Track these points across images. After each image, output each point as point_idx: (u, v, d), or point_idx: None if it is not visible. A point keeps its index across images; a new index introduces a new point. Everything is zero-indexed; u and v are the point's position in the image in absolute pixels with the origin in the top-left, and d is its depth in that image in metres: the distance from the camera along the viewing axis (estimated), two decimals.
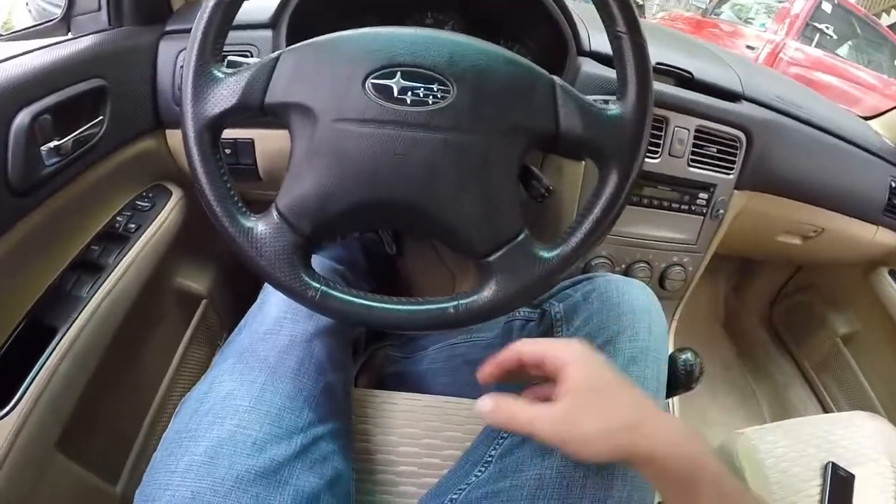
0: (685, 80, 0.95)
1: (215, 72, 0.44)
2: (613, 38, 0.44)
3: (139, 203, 0.82)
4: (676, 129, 0.91)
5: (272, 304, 0.60)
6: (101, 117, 0.69)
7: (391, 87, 0.41)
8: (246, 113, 0.43)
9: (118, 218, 0.78)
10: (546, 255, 0.44)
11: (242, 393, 0.49)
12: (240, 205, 0.44)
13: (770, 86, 1.06)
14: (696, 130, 0.93)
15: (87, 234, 0.73)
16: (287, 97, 0.42)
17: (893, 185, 1.14)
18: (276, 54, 0.44)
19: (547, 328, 0.64)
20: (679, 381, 0.68)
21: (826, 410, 1.38)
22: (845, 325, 1.38)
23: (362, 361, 0.99)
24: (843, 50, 4.13)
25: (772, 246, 1.20)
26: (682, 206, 0.98)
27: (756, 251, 1.35)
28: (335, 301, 0.43)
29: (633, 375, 0.55)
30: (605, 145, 0.44)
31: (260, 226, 0.43)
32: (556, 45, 0.86)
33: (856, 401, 1.31)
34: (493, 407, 0.42)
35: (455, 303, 0.43)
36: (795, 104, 1.04)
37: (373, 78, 0.41)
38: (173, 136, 0.83)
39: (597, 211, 0.45)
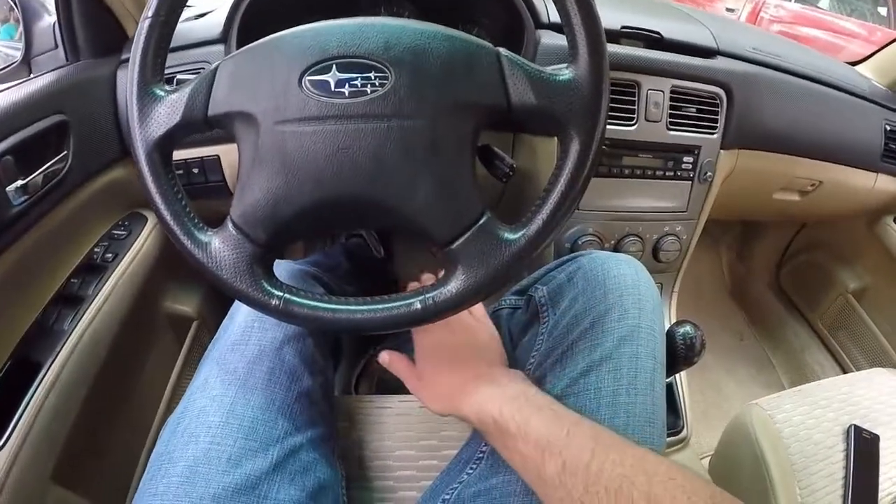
0: (654, 41, 0.91)
1: (157, 91, 0.44)
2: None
3: (115, 232, 0.82)
4: (650, 92, 0.87)
5: (240, 314, 0.58)
6: (64, 152, 0.69)
7: (328, 82, 0.40)
8: (191, 128, 0.43)
9: (96, 249, 0.78)
10: (511, 236, 0.42)
11: (215, 408, 0.49)
12: (196, 220, 0.44)
13: (746, 38, 1.02)
14: (672, 92, 0.89)
15: (67, 268, 0.73)
16: (228, 107, 0.42)
17: (888, 128, 1.10)
18: (214, 65, 0.43)
19: (533, 314, 0.62)
20: (679, 356, 0.63)
21: (845, 371, 1.34)
22: (855, 280, 1.34)
23: (360, 368, 0.97)
24: (825, 2, 4.07)
25: (770, 205, 1.16)
26: (668, 173, 0.93)
27: (754, 212, 1.31)
28: (299, 308, 0.42)
29: (624, 355, 0.52)
30: (561, 113, 0.41)
31: (216, 240, 0.43)
32: (514, 22, 0.83)
33: (874, 357, 1.28)
34: (388, 361, 0.57)
35: (422, 297, 0.42)
36: (774, 54, 0.99)
37: (309, 75, 0.40)
38: None
39: (560, 185, 0.42)
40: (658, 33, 0.91)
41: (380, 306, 0.42)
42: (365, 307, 0.42)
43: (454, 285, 0.41)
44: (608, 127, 0.78)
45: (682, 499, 0.34)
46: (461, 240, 0.41)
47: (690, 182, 0.95)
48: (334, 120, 0.39)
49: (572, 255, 0.65)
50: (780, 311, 1.54)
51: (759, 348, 1.51)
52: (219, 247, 0.42)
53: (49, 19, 0.76)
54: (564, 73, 0.42)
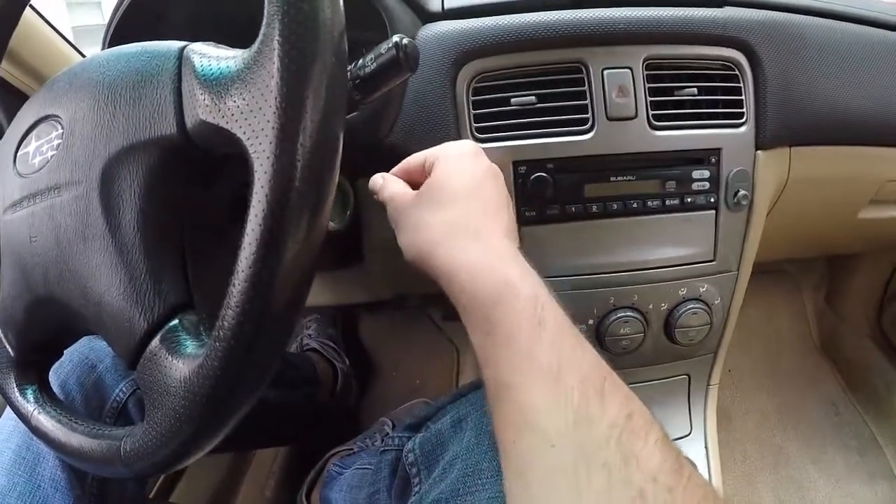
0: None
1: None
2: None
3: None
4: (608, 73, 0.54)
5: None
6: None
7: (27, 154, 0.36)
8: None
9: None
10: (194, 350, 0.30)
11: None
12: None
13: None
14: (649, 67, 0.55)
15: None
16: None
17: None
18: None
19: (403, 480, 0.51)
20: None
21: None
22: None
23: (313, 474, 0.85)
24: None
25: (856, 229, 0.82)
26: (670, 202, 0.58)
27: (834, 243, 0.98)
28: (42, 428, 0.37)
29: None
30: (230, 123, 0.28)
31: None
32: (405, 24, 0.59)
33: None
34: (382, 183, 0.44)
35: (128, 437, 0.33)
36: None
37: (20, 149, 0.37)
38: None
39: (248, 263, 0.26)
40: None
41: (87, 440, 0.35)
42: (74, 437, 0.36)
43: (140, 432, 0.32)
44: (543, 142, 0.55)
45: None
46: (141, 360, 0.32)
47: (715, 211, 0.59)
48: (28, 201, 0.35)
49: (475, 381, 0.50)
50: (885, 369, 1.22)
51: (860, 423, 1.22)
52: None
53: None
54: (226, 62, 0.30)
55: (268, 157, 0.26)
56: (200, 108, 0.30)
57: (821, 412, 1.24)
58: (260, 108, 0.26)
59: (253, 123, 0.27)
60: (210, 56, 0.31)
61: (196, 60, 0.31)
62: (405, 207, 0.41)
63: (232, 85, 0.28)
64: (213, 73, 0.30)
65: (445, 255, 0.37)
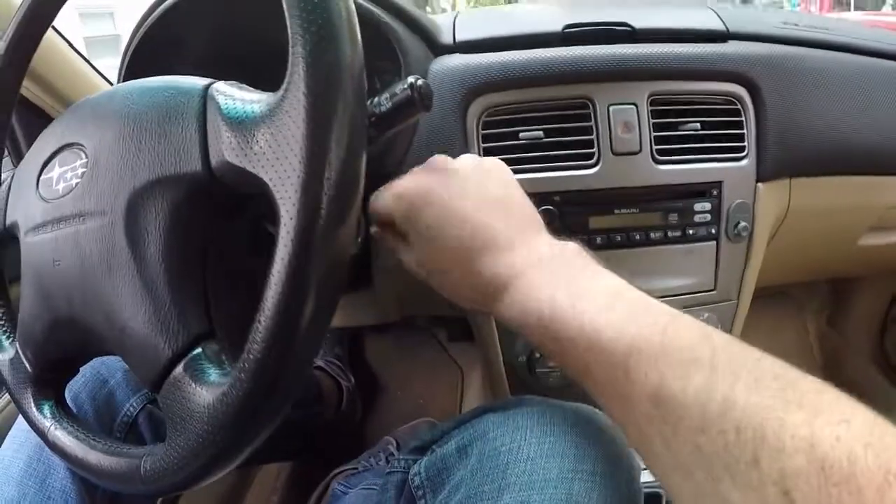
0: (622, 37, 0.60)
1: None
2: None
3: None
4: (614, 109, 0.55)
5: None
6: None
7: (51, 179, 0.37)
8: None
9: None
10: (219, 378, 0.31)
11: None
12: (5, 329, 0.43)
13: (771, 15, 0.68)
14: (654, 103, 0.56)
15: None
16: (8, 217, 0.41)
17: None
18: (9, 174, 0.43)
19: (408, 502, 0.48)
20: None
21: None
22: None
23: (317, 493, 0.83)
24: (889, 3, 3.72)
25: (857, 255, 0.82)
26: (672, 233, 0.59)
27: (835, 269, 0.98)
28: (60, 444, 0.38)
29: None
30: (256, 167, 0.29)
31: (5, 355, 0.42)
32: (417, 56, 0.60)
33: None
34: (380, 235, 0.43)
35: (149, 456, 0.34)
36: (817, 27, 0.64)
37: (43, 174, 0.38)
38: None
39: (273, 302, 0.27)
40: (627, 25, 0.60)
41: (105, 457, 0.36)
42: (92, 454, 0.37)
43: (162, 452, 0.33)
44: (550, 176, 0.57)
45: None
46: (164, 385, 0.32)
47: (715, 242, 0.60)
48: (51, 226, 0.36)
49: (479, 408, 0.46)
50: (887, 391, 1.22)
51: None
52: (7, 362, 0.41)
53: None
54: (255, 104, 0.30)
55: (294, 204, 0.27)
56: (226, 148, 0.30)
57: None
58: (286, 156, 0.27)
59: (279, 169, 0.28)
60: (235, 97, 0.32)
61: (221, 101, 0.32)
62: (419, 270, 0.40)
63: (257, 129, 0.29)
64: (238, 115, 0.31)
65: (492, 269, 0.36)
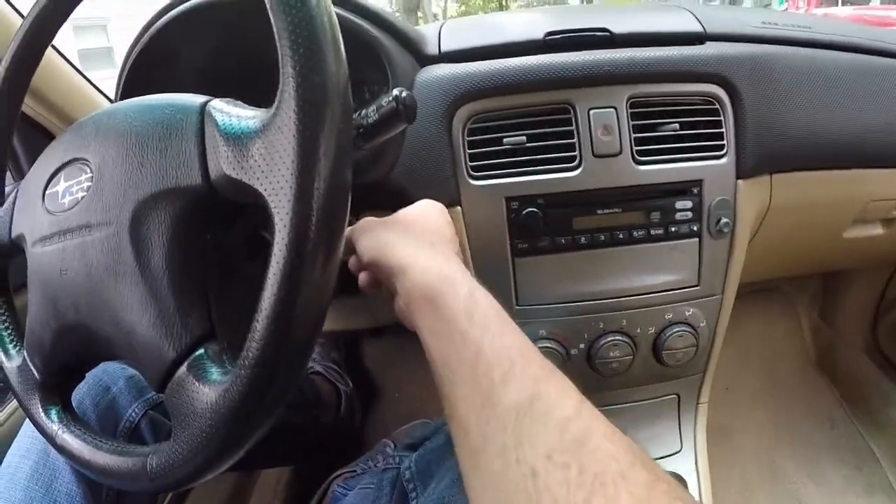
0: (600, 42, 0.61)
1: None
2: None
3: None
4: (594, 113, 0.57)
5: None
6: None
7: (56, 193, 0.39)
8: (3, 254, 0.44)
9: None
10: (220, 377, 0.33)
11: None
12: (12, 338, 0.45)
13: (750, 15, 0.69)
14: (633, 105, 0.58)
15: None
16: (14, 230, 0.42)
17: None
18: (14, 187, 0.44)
19: (401, 495, 0.54)
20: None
21: None
22: None
23: (318, 496, 0.83)
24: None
25: (842, 248, 0.83)
26: (655, 231, 0.60)
27: (823, 262, 0.98)
28: (67, 447, 0.40)
29: None
30: (251, 178, 0.31)
31: (13, 363, 0.43)
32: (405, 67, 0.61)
33: None
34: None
35: (155, 453, 0.35)
36: (797, 25, 0.66)
37: (49, 188, 0.39)
38: None
39: (270, 303, 0.30)
40: (605, 30, 0.61)
41: (110, 456, 0.38)
42: (98, 453, 0.39)
43: (168, 449, 0.34)
44: (533, 179, 0.58)
45: None
46: (169, 385, 0.34)
47: (698, 239, 0.62)
48: (58, 237, 0.38)
49: None
50: (881, 383, 1.20)
51: (856, 436, 1.19)
52: (13, 370, 0.43)
53: None
54: (250, 120, 0.32)
55: (287, 213, 0.29)
56: (224, 162, 0.32)
57: (817, 427, 1.22)
58: (279, 169, 0.30)
59: (272, 181, 0.30)
60: (231, 114, 0.33)
61: (218, 117, 0.34)
62: (370, 224, 0.45)
63: (252, 143, 0.31)
64: (234, 131, 0.32)
65: (402, 251, 0.40)
